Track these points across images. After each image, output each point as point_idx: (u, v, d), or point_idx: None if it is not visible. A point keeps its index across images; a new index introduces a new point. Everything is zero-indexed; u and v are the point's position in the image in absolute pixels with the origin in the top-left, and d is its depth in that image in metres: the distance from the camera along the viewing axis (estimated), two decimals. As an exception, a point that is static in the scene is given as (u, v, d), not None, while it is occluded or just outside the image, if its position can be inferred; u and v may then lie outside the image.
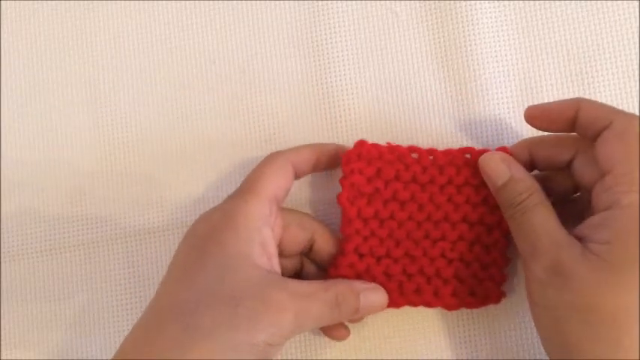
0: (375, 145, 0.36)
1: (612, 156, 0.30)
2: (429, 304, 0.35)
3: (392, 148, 0.36)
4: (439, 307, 0.36)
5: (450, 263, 0.35)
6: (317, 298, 0.31)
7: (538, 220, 0.31)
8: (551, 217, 0.31)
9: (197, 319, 0.29)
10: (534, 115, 0.34)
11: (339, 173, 0.36)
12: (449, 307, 0.35)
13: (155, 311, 0.31)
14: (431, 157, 0.36)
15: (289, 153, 0.35)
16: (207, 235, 0.32)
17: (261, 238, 0.32)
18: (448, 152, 0.36)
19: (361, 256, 0.35)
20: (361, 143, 0.36)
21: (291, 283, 0.31)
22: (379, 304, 0.34)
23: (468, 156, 0.36)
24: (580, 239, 0.30)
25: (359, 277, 0.35)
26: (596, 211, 0.30)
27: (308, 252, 0.36)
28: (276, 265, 0.33)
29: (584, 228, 0.30)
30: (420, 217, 0.35)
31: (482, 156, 0.34)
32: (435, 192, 0.35)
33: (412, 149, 0.36)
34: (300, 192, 0.39)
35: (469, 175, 0.35)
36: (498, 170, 0.33)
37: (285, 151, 0.35)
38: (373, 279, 0.35)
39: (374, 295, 0.34)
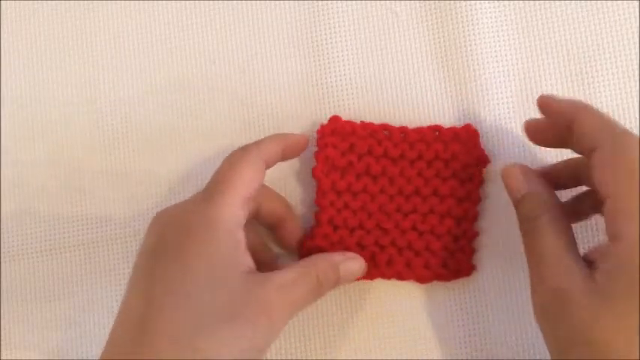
0: (349, 122, 0.38)
1: (605, 183, 0.29)
2: (401, 276, 0.37)
3: (365, 125, 0.38)
4: (412, 281, 0.37)
5: (422, 235, 0.37)
6: (301, 284, 0.31)
7: (547, 242, 0.30)
8: (562, 239, 0.30)
9: (198, 340, 0.28)
10: (529, 130, 0.34)
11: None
12: (421, 280, 0.37)
13: (142, 330, 0.29)
14: (402, 135, 0.37)
15: (260, 148, 0.34)
16: (185, 243, 0.30)
17: (240, 238, 0.31)
18: (418, 130, 0.38)
19: (335, 227, 0.37)
20: (335, 119, 0.38)
21: (275, 278, 0.31)
22: (358, 272, 0.35)
23: (437, 133, 0.37)
24: (591, 263, 0.29)
25: (333, 247, 0.36)
26: (607, 233, 0.29)
27: (256, 216, 0.36)
28: (251, 259, 0.32)
29: (596, 252, 0.30)
30: (392, 190, 0.37)
31: (504, 168, 0.34)
32: (406, 166, 0.37)
33: (384, 127, 0.38)
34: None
35: (439, 150, 0.37)
36: (517, 184, 0.33)
37: (255, 147, 0.34)
38: (347, 250, 0.36)
39: (352, 264, 0.35)
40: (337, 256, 0.34)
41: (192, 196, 0.33)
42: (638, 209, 0.27)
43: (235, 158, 0.33)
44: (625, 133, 0.29)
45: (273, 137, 0.36)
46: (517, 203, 0.33)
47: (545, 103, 0.33)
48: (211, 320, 0.29)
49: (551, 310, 0.29)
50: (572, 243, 0.30)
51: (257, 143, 0.34)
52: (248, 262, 0.31)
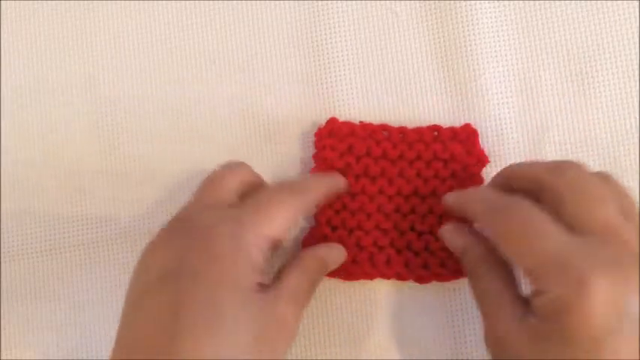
0: (347, 123, 0.38)
1: (502, 251, 0.30)
2: (400, 277, 0.37)
3: (364, 126, 0.38)
4: (411, 281, 0.37)
5: (420, 236, 0.37)
6: (302, 288, 0.33)
7: (487, 288, 0.31)
8: (499, 283, 0.31)
9: None
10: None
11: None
12: (421, 280, 0.37)
13: (168, 352, 0.28)
14: (401, 135, 0.38)
15: (306, 200, 0.33)
16: (212, 267, 0.29)
17: (259, 262, 0.31)
18: (417, 130, 0.38)
19: (334, 228, 0.37)
20: (333, 121, 0.38)
21: (283, 291, 0.31)
22: (340, 260, 0.36)
23: (435, 133, 0.38)
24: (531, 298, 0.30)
25: None
26: None
27: None
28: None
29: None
30: (391, 191, 0.37)
31: (441, 229, 0.35)
32: (405, 167, 0.37)
33: (383, 127, 0.38)
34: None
35: (438, 151, 0.37)
36: (456, 240, 0.34)
37: (302, 196, 0.33)
38: (345, 250, 0.37)
39: (335, 253, 0.36)
40: (322, 250, 0.35)
41: (218, 208, 0.32)
42: (539, 266, 0.28)
43: (282, 198, 0.32)
44: (502, 202, 0.31)
45: (319, 188, 0.35)
46: (460, 256, 0.34)
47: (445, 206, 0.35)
48: (239, 343, 0.28)
49: (495, 350, 0.30)
50: (509, 286, 0.31)
51: (305, 193, 0.34)
52: (259, 279, 0.31)
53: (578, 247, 0.27)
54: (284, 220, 0.32)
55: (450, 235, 0.35)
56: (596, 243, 0.28)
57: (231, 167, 0.35)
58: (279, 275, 0.33)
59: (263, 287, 0.31)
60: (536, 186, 0.31)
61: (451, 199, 0.35)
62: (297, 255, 0.34)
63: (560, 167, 0.30)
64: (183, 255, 0.30)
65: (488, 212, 0.31)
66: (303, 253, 0.35)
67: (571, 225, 0.28)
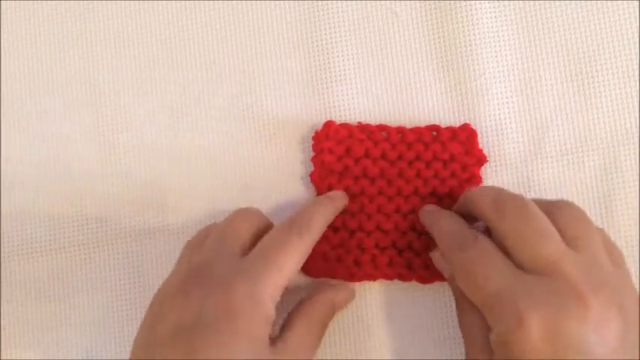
0: (345, 125, 0.38)
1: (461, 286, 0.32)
2: (402, 277, 0.37)
3: (362, 127, 0.38)
4: (414, 282, 0.37)
5: (421, 236, 0.37)
6: (311, 337, 0.33)
7: (466, 320, 0.32)
8: (477, 317, 0.31)
9: None
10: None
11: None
12: (423, 280, 0.37)
13: None
14: (399, 135, 0.38)
15: (313, 235, 0.34)
16: (229, 323, 0.30)
17: (272, 314, 0.31)
18: (416, 130, 0.38)
19: (335, 229, 0.37)
20: (329, 124, 0.38)
21: (290, 344, 0.32)
22: (349, 300, 0.37)
23: (434, 133, 0.38)
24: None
25: (334, 250, 0.37)
26: None
27: None
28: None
29: None
30: (391, 191, 0.37)
31: (431, 253, 0.36)
32: (404, 167, 0.37)
33: (382, 127, 0.38)
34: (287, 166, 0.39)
35: (437, 151, 0.37)
36: (441, 267, 0.35)
37: (309, 235, 0.33)
38: (347, 252, 0.37)
39: (343, 295, 0.36)
40: (330, 293, 0.35)
41: (232, 260, 0.32)
42: (486, 304, 0.29)
43: (289, 243, 0.33)
44: (459, 238, 0.32)
45: (323, 219, 0.35)
46: (448, 282, 0.35)
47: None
48: None
49: None
50: (486, 321, 0.31)
51: (311, 229, 0.34)
52: (270, 331, 0.31)
53: (519, 285, 0.29)
54: (293, 265, 0.32)
55: (438, 261, 0.36)
56: (536, 280, 0.29)
57: (244, 216, 0.35)
58: (288, 322, 0.33)
59: (272, 340, 0.31)
60: (485, 219, 0.32)
61: (422, 218, 0.36)
62: (305, 301, 0.35)
63: (502, 208, 0.31)
64: (200, 308, 0.30)
65: (447, 247, 0.33)
66: (311, 300, 0.35)
67: (517, 263, 0.30)
